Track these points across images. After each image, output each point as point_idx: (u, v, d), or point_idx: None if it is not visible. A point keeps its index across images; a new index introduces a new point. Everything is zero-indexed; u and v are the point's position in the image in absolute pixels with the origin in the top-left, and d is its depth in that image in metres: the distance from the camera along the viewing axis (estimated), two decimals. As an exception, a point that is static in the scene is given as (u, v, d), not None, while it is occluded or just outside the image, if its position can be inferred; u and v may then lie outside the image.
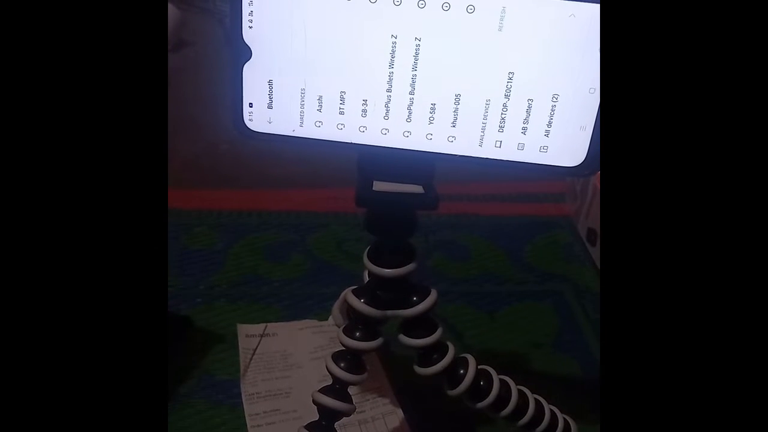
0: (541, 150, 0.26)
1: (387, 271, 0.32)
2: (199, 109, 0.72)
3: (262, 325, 0.48)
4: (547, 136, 0.26)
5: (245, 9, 0.25)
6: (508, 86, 0.25)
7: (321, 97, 0.27)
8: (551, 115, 0.26)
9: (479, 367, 0.35)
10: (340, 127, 0.27)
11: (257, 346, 0.46)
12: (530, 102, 0.26)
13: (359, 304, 0.33)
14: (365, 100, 0.26)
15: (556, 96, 0.25)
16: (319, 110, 0.27)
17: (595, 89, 0.25)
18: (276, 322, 0.48)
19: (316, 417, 0.34)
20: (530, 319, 0.50)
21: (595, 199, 0.57)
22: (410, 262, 0.32)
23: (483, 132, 0.27)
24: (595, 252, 0.56)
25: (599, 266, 0.55)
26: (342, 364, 0.33)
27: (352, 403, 0.34)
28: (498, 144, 0.27)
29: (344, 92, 0.26)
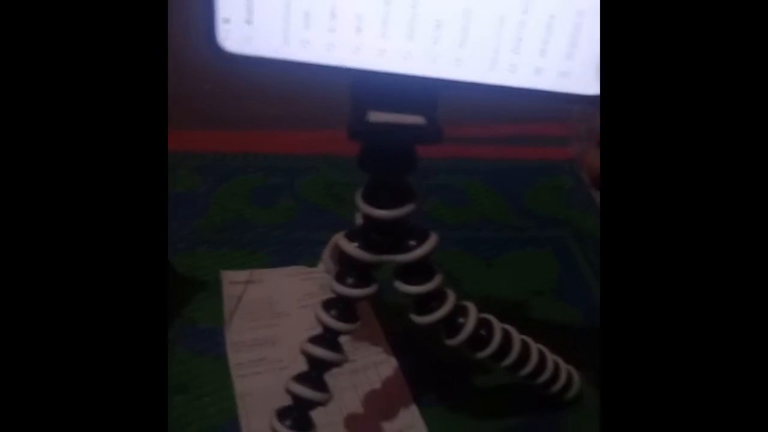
0: (561, 75, 0.23)
1: (383, 213, 0.29)
2: (180, 48, 0.67)
3: (248, 272, 0.45)
4: (569, 59, 0.23)
5: None
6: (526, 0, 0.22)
7: (308, 11, 0.23)
8: (575, 35, 0.22)
9: (480, 315, 0.33)
10: (330, 47, 0.24)
11: (242, 294, 0.43)
12: (552, 19, 0.22)
13: (352, 249, 0.30)
14: (359, 15, 0.23)
15: (581, 12, 0.22)
16: (306, 27, 0.23)
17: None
18: (263, 268, 0.46)
19: (304, 367, 0.32)
20: (531, 266, 0.48)
21: (600, 141, 0.54)
22: (409, 203, 0.29)
23: (496, 54, 0.23)
24: (599, 197, 0.54)
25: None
26: (333, 312, 0.31)
27: (344, 353, 0.32)
28: (512, 68, 0.23)
29: (335, 6, 0.23)
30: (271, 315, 0.43)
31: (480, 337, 0.33)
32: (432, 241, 0.30)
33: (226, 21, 0.24)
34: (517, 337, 0.34)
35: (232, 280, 0.44)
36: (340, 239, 0.30)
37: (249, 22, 0.24)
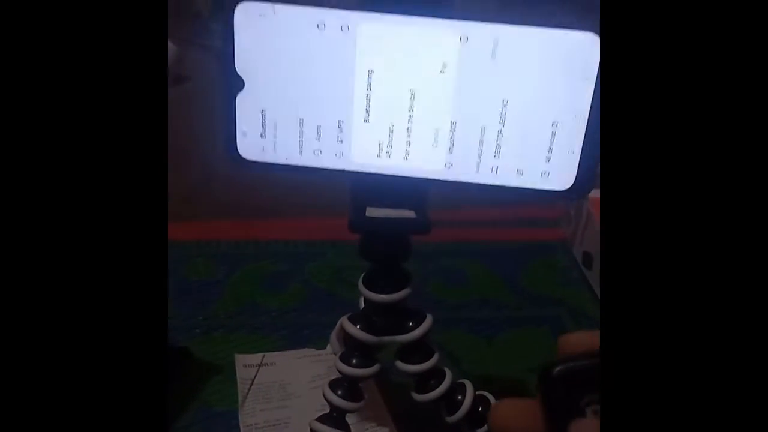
0: (543, 175, 0.27)
1: (382, 297, 0.32)
2: (196, 142, 0.73)
3: (260, 355, 0.47)
4: (548, 162, 0.26)
5: (238, 39, 0.26)
6: (503, 113, 0.26)
7: (320, 126, 0.27)
8: (552, 141, 0.26)
9: (477, 392, 0.35)
10: (338, 155, 0.28)
11: (255, 376, 0.46)
12: (527, 129, 0.26)
13: (355, 331, 0.33)
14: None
15: (555, 123, 0.26)
16: (318, 139, 0.27)
17: (581, 114, 0.26)
18: (274, 351, 0.48)
19: (315, 447, 0.34)
20: (528, 345, 0.50)
21: (590, 223, 0.57)
22: (405, 288, 0.32)
23: (479, 158, 0.27)
24: (591, 275, 0.56)
25: (596, 290, 0.55)
26: (339, 392, 0.33)
27: (350, 432, 0.34)
28: (494, 170, 0.27)
29: (342, 121, 0.27)
30: (283, 396, 0.45)
31: (478, 414, 0.34)
32: (428, 322, 0.33)
33: (244, 134, 0.28)
34: (513, 413, 0.36)
35: (246, 363, 0.47)
36: (344, 322, 0.33)
37: (263, 135, 0.28)
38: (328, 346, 0.48)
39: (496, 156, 0.27)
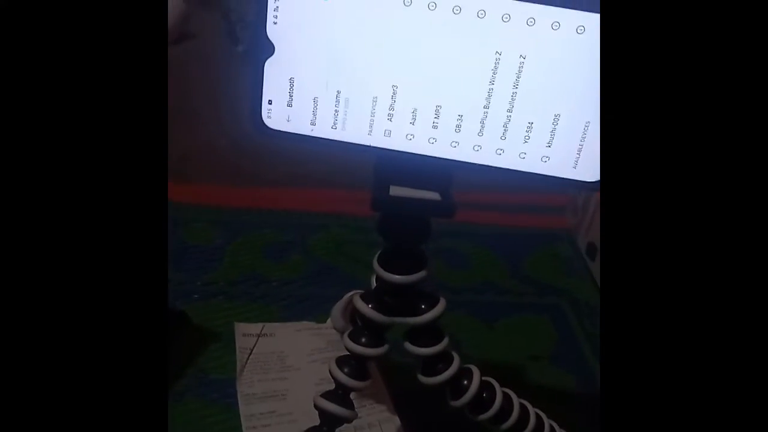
0: (573, 165, 0.26)
1: (397, 278, 0.31)
2: (200, 102, 0.71)
3: (260, 325, 0.47)
4: (578, 152, 0.26)
5: (271, 4, 0.25)
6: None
7: (348, 99, 0.26)
8: (583, 135, 0.26)
9: (483, 378, 0.35)
10: (365, 130, 0.27)
11: (254, 346, 0.45)
12: (557, 118, 0.25)
13: (367, 310, 0.32)
14: (393, 105, 0.26)
15: (588, 121, 0.25)
16: (347, 112, 0.26)
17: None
18: (274, 322, 0.48)
19: (312, 420, 0.34)
20: (528, 332, 0.50)
21: (597, 213, 0.57)
22: (421, 270, 0.31)
23: (508, 143, 0.26)
24: (595, 266, 0.56)
25: (599, 281, 0.55)
26: (346, 370, 0.33)
27: (354, 410, 0.34)
28: (522, 155, 0.26)
29: (376, 97, 0.26)
30: (281, 368, 0.44)
31: (482, 400, 0.34)
32: (441, 305, 0.32)
33: (270, 102, 0.27)
34: (516, 401, 0.36)
35: (245, 332, 0.46)
36: (355, 300, 0.33)
37: (290, 104, 0.27)
38: (329, 320, 0.47)
39: (525, 141, 0.26)
